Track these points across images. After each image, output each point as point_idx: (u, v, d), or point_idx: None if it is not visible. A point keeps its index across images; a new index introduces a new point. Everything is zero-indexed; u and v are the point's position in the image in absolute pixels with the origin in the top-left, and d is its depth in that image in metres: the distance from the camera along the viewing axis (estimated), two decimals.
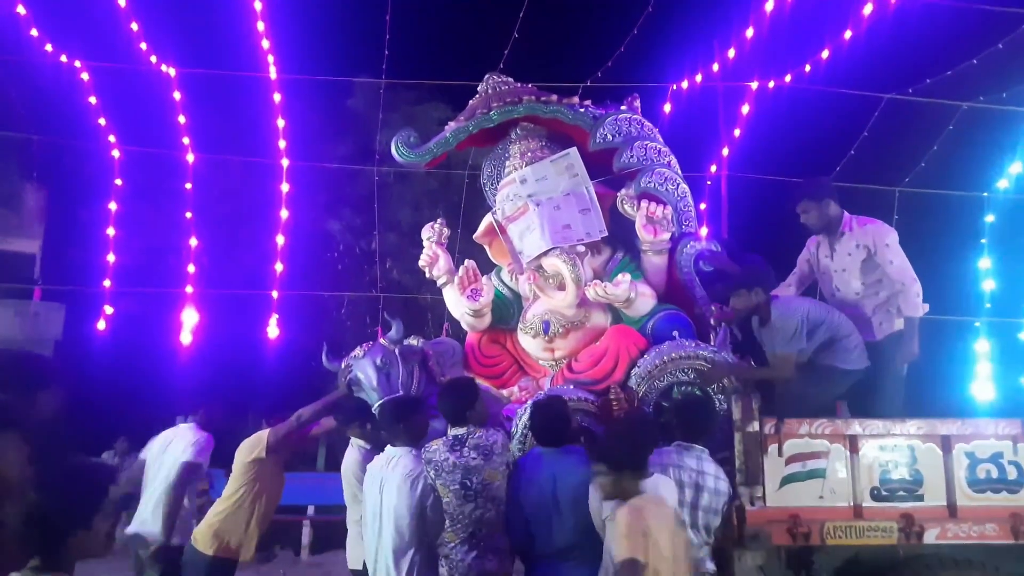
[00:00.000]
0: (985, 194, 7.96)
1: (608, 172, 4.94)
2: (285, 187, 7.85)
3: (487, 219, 5.02)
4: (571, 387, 4.32)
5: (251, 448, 4.45)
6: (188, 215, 8.53)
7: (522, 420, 4.18)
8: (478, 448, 3.57)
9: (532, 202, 4.78)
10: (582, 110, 4.94)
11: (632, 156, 4.83)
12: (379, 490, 3.81)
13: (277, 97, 7.50)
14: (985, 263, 8.00)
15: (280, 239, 7.76)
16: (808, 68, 6.85)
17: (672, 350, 4.27)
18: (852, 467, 3.89)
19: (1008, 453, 4.01)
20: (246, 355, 8.46)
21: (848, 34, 6.30)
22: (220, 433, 4.95)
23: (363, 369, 4.39)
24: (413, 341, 4.82)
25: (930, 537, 3.82)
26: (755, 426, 3.85)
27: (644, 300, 4.54)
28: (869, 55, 6.43)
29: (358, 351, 4.51)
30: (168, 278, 8.64)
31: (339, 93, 9.52)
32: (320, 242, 9.63)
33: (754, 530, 3.70)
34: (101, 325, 8.10)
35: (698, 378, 4.22)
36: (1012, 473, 3.99)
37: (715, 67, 7.03)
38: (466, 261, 4.86)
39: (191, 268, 8.23)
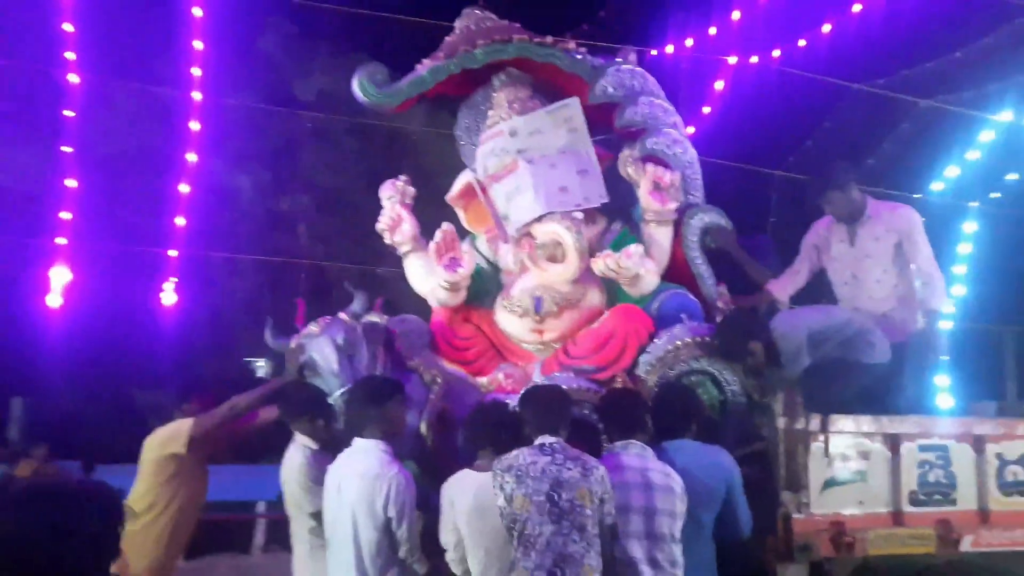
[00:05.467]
0: (918, 196, 8.03)
1: (604, 131, 4.32)
2: (195, 126, 6.53)
3: (464, 177, 4.27)
4: (571, 375, 3.68)
5: (166, 441, 3.52)
6: (66, 149, 7.01)
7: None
8: (576, 461, 2.84)
9: (523, 159, 4.07)
10: (579, 57, 4.28)
11: (636, 113, 4.22)
12: (338, 491, 3.11)
13: (198, 12, 6.20)
14: None
15: (184, 188, 6.54)
16: (777, 53, 6.57)
17: (685, 334, 3.71)
18: (893, 469, 3.52)
19: None
20: (132, 325, 7.08)
21: (827, 28, 6.07)
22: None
23: (320, 350, 3.55)
24: (374, 317, 4.00)
25: (966, 544, 3.52)
26: (800, 422, 3.37)
27: (651, 277, 3.96)
28: (845, 43, 6.24)
29: (313, 327, 3.64)
30: (35, 225, 6.97)
31: (282, 17, 8.16)
32: (233, 195, 8.30)
33: (803, 541, 3.23)
34: None
35: (712, 364, 3.70)
36: None
37: (688, 42, 6.60)
38: (444, 225, 4.08)
39: (65, 215, 6.75)
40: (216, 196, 7.49)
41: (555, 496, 2.78)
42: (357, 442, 3.23)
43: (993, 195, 8.45)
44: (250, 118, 7.68)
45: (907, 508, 3.50)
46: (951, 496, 3.60)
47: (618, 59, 4.44)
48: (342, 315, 3.70)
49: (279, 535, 4.62)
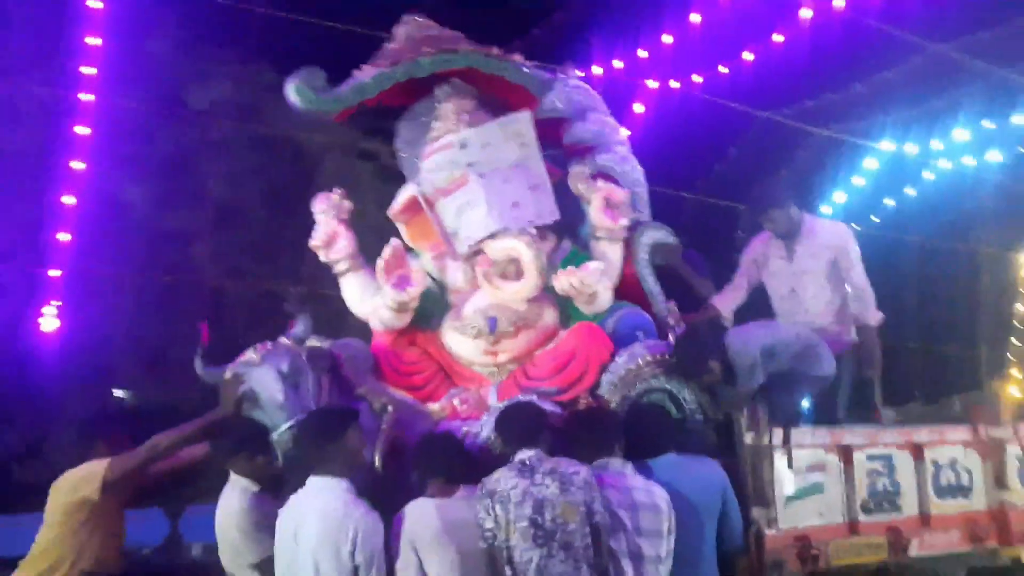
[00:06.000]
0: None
1: (549, 146, 4.24)
2: (82, 130, 5.83)
3: (408, 191, 4.04)
4: (532, 397, 3.52)
5: (77, 484, 3.06)
6: None
7: (479, 439, 3.35)
8: (554, 475, 2.77)
9: (474, 172, 3.90)
10: (527, 70, 4.18)
11: (586, 130, 4.21)
12: (294, 537, 2.81)
13: (96, 2, 5.49)
14: None
15: (69, 199, 5.79)
16: (699, 79, 6.79)
17: (645, 352, 3.65)
18: (847, 479, 3.60)
19: (961, 458, 4.01)
20: (5, 354, 6.14)
21: (748, 55, 6.34)
22: None
23: (262, 380, 3.21)
24: (314, 341, 3.68)
25: (913, 549, 3.66)
26: (764, 437, 3.38)
27: (607, 295, 3.88)
28: (760, 73, 6.54)
29: (252, 355, 3.29)
30: None
31: (190, 17, 7.42)
32: (126, 208, 7.43)
33: (774, 558, 3.22)
34: None
35: (670, 382, 3.67)
36: (965, 479, 4.00)
37: (617, 64, 6.68)
38: (392, 241, 3.84)
39: None
40: (106, 209, 6.73)
41: (538, 519, 2.74)
42: (314, 481, 2.93)
43: (873, 219, 9.12)
44: (146, 123, 7.00)
45: (861, 517, 3.58)
46: (897, 503, 3.73)
47: (560, 75, 4.40)
48: (284, 340, 3.37)
49: None
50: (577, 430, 3.15)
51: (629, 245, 4.13)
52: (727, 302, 4.46)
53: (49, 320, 5.64)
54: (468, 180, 3.89)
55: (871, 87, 6.68)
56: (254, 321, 7.76)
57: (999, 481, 4.06)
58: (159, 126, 7.46)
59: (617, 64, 6.75)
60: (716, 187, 7.99)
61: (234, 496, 3.12)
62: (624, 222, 4.05)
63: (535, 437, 2.99)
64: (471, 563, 2.81)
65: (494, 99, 4.26)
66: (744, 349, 3.63)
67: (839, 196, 8.46)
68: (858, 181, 8.58)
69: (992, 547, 3.98)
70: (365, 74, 3.98)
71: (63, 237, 5.62)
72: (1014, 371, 11.67)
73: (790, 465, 3.40)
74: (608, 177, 4.12)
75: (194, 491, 4.19)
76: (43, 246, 5.80)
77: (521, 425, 3.03)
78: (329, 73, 3.94)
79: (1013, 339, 11.76)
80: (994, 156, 8.62)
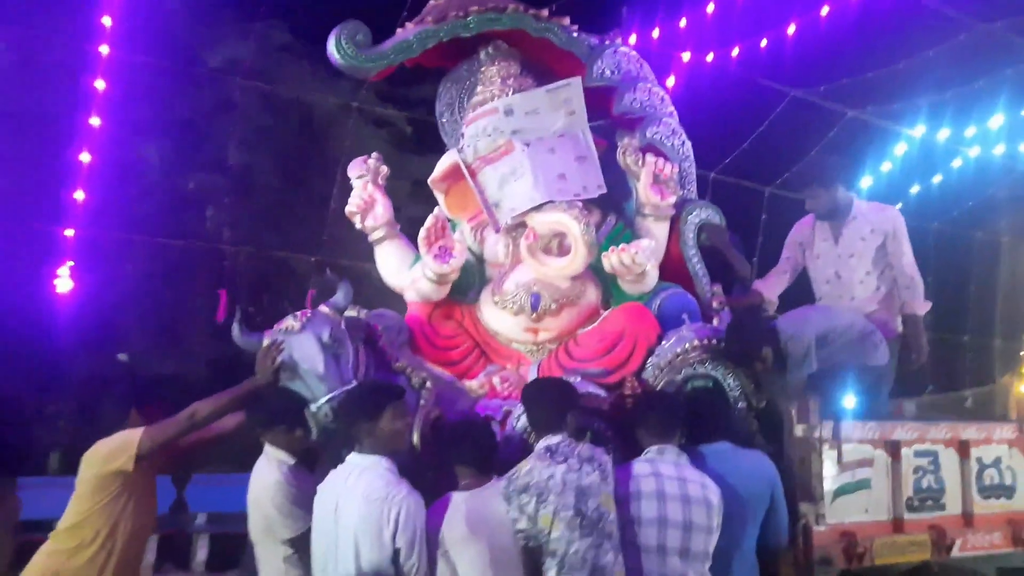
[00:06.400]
0: None
1: (596, 116, 4.05)
2: (100, 84, 5.56)
3: (449, 157, 3.85)
4: (577, 378, 3.38)
5: (111, 455, 2.92)
6: None
7: (521, 420, 3.21)
8: (592, 462, 2.65)
9: (519, 141, 3.73)
10: (575, 35, 3.98)
11: (635, 100, 3.99)
12: (334, 515, 2.70)
13: None
14: None
15: (85, 157, 5.52)
16: (736, 52, 6.55)
17: (692, 336, 3.52)
18: (893, 475, 3.50)
19: (1005, 458, 3.91)
20: (18, 315, 5.95)
21: (792, 28, 6.10)
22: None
23: (303, 348, 3.05)
24: (351, 311, 3.54)
25: (955, 549, 3.57)
26: (814, 429, 3.26)
27: (654, 274, 3.72)
28: (798, 49, 6.30)
29: (292, 322, 3.13)
30: None
31: None
32: (142, 167, 7.19)
33: (821, 554, 3.12)
34: None
35: (716, 368, 3.54)
36: (1008, 479, 3.90)
37: (655, 32, 6.43)
38: (436, 209, 3.68)
39: None
40: (121, 169, 6.48)
41: (582, 508, 2.63)
42: (354, 458, 2.81)
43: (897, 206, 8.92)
44: (161, 84, 6.73)
45: (906, 515, 3.49)
46: (941, 501, 3.63)
47: (606, 42, 4.20)
48: (324, 308, 3.21)
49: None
50: (636, 414, 3.02)
51: (675, 223, 3.98)
52: (772, 286, 4.31)
53: (64, 280, 5.45)
54: (513, 148, 3.72)
55: (912, 67, 6.47)
56: (267, 288, 7.65)
57: None
58: (174, 88, 7.21)
59: (655, 33, 6.51)
60: (743, 166, 7.80)
61: (270, 469, 2.99)
62: (672, 199, 3.90)
63: (564, 419, 2.85)
64: (504, 558, 2.67)
65: (539, 64, 4.08)
66: (798, 335, 3.49)
67: (865, 180, 8.26)
68: (885, 166, 8.38)
69: None
70: (408, 32, 3.79)
71: (78, 196, 5.41)
72: None
73: (840, 460, 3.28)
74: (657, 151, 3.95)
75: (201, 459, 4.12)
76: (55, 204, 5.59)
77: (552, 404, 2.87)
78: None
79: None
80: None
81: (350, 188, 4.02)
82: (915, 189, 8.93)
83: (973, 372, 10.44)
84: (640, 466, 2.82)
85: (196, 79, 7.35)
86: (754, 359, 3.40)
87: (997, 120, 7.84)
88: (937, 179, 9.06)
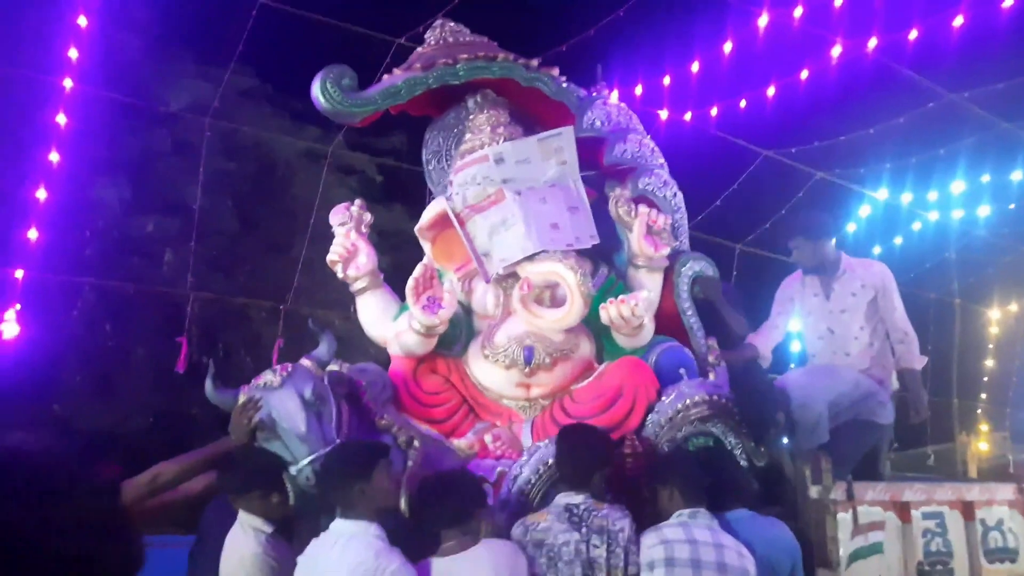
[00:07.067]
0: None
1: (585, 167, 3.98)
2: (61, 119, 5.30)
3: (437, 205, 3.70)
4: None
5: None
6: None
7: (518, 481, 2.99)
8: (602, 534, 2.53)
9: (509, 190, 3.61)
10: (565, 85, 3.93)
11: (626, 151, 3.93)
12: None
13: None
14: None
15: (41, 194, 5.18)
16: (715, 111, 6.66)
17: (693, 392, 3.37)
18: (904, 538, 3.34)
19: (1007, 520, 3.80)
20: None
21: (771, 90, 6.24)
22: None
23: (283, 406, 2.80)
24: (333, 366, 3.29)
25: None
26: (828, 491, 3.10)
27: (650, 327, 3.60)
28: (776, 109, 6.43)
29: (271, 377, 2.87)
30: None
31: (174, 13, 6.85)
32: (101, 207, 6.77)
33: None
34: None
35: (715, 426, 3.38)
36: (1012, 541, 3.79)
37: (638, 89, 6.49)
38: (425, 258, 3.50)
39: None
40: (78, 208, 6.13)
41: None
42: (339, 525, 2.54)
43: None
44: (126, 119, 6.46)
45: None
46: (949, 566, 3.48)
47: (594, 93, 4.17)
48: (306, 362, 2.97)
49: None
50: (664, 475, 2.83)
51: (668, 275, 3.88)
52: (765, 340, 4.21)
53: (10, 324, 5.04)
54: (504, 197, 3.59)
55: (880, 132, 6.65)
56: (224, 336, 7.28)
57: None
58: (137, 126, 6.94)
59: (637, 90, 6.57)
60: (715, 223, 7.84)
61: (247, 539, 2.70)
62: (665, 250, 3.80)
63: (592, 478, 2.75)
64: None
65: (526, 114, 4.02)
66: (809, 405, 3.39)
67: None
68: (850, 227, 8.55)
69: None
70: (396, 78, 3.68)
71: (31, 235, 5.06)
72: (982, 426, 11.82)
73: (855, 522, 3.12)
74: (649, 202, 3.87)
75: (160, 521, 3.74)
76: (9, 243, 5.22)
77: (588, 459, 2.75)
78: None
79: (983, 394, 11.92)
80: (984, 210, 8.69)
81: (318, 234, 3.83)
82: (877, 250, 9.10)
83: (933, 430, 10.55)
84: (672, 531, 2.62)
85: (160, 118, 7.12)
86: (768, 425, 3.27)
87: (958, 186, 8.09)
88: (898, 241, 9.27)
